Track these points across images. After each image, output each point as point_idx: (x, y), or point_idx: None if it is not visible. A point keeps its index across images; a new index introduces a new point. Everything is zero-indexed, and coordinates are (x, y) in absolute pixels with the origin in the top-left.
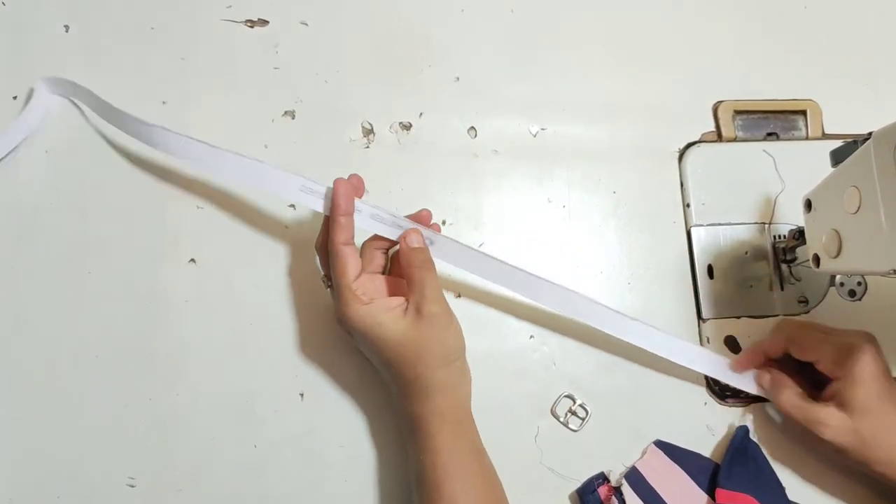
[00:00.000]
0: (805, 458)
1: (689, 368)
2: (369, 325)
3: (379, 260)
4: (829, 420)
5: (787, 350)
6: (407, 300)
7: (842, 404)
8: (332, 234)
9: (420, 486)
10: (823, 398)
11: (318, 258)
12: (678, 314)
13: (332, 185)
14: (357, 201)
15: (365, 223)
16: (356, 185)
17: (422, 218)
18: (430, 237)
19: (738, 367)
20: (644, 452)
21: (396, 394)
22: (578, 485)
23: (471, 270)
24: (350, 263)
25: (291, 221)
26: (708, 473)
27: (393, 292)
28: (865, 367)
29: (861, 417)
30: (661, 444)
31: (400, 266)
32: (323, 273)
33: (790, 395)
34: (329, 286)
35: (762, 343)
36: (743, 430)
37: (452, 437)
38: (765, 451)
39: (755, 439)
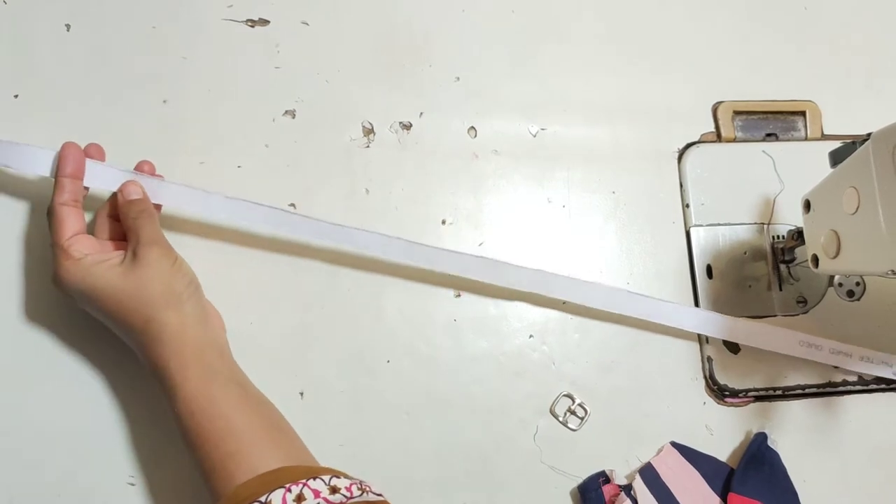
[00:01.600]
0: (813, 458)
1: (688, 367)
2: (79, 279)
3: (111, 226)
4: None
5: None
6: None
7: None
8: (53, 195)
9: (185, 440)
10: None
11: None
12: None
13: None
14: (95, 164)
15: (95, 183)
16: (92, 153)
17: (141, 169)
18: (153, 188)
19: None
20: (660, 451)
21: (136, 349)
22: (578, 482)
23: (206, 212)
24: (66, 223)
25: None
26: (722, 477)
27: (118, 250)
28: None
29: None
30: (676, 445)
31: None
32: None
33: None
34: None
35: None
36: (761, 437)
37: (202, 382)
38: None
39: (774, 446)
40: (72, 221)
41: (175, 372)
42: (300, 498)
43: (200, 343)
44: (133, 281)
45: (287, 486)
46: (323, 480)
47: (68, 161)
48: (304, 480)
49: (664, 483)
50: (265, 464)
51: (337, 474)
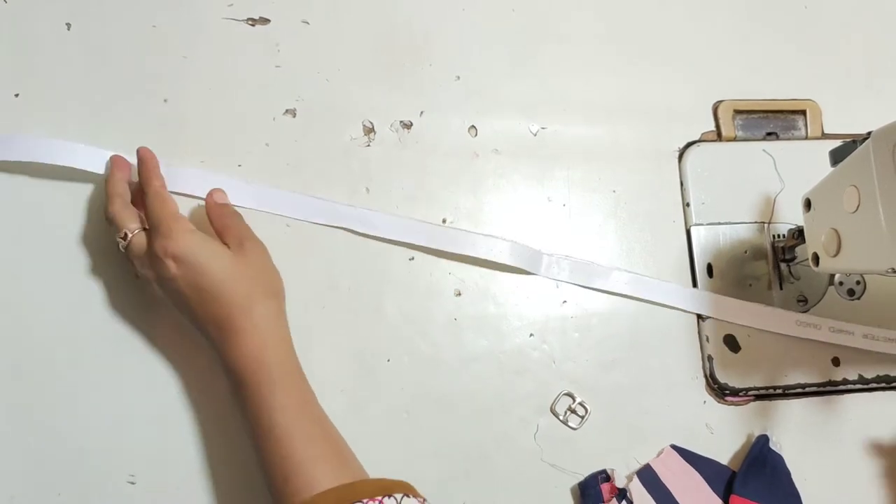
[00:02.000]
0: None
1: (688, 365)
2: (196, 249)
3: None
4: None
5: None
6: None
7: None
8: (149, 181)
9: (258, 444)
10: None
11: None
12: (677, 312)
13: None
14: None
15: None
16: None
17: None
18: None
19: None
20: (660, 453)
21: (216, 343)
22: (579, 479)
23: (271, 209)
24: (170, 201)
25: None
26: (724, 480)
27: None
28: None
29: None
30: (677, 448)
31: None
32: (120, 233)
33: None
34: (125, 244)
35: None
36: (763, 439)
37: (283, 393)
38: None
39: (777, 449)
40: (174, 201)
41: (260, 379)
42: None
43: (285, 344)
44: (242, 268)
45: (364, 501)
46: (395, 499)
47: (149, 156)
48: (379, 497)
49: (664, 484)
50: (338, 477)
51: (407, 492)
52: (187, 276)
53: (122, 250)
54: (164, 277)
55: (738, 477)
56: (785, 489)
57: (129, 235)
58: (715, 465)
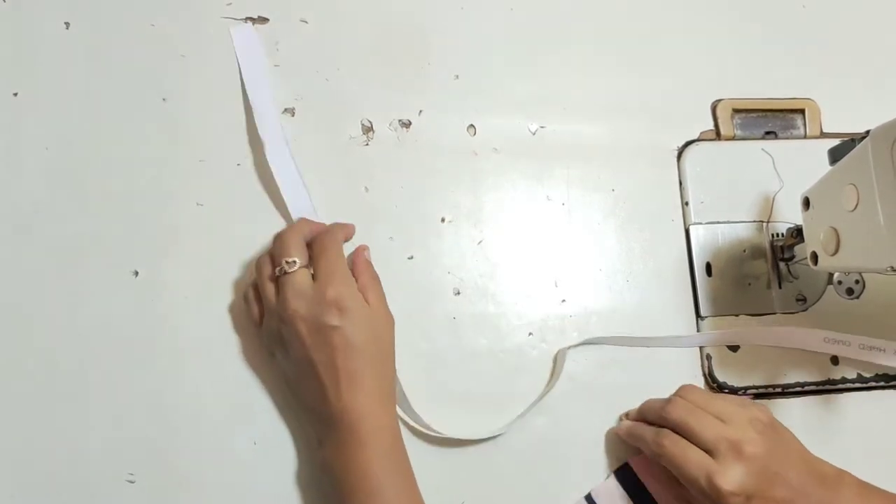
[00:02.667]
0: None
1: (687, 364)
2: (366, 312)
3: None
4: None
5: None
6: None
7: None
8: (337, 234)
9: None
10: None
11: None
12: (676, 312)
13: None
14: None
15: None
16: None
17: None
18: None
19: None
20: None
21: (324, 416)
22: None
23: None
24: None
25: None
26: None
27: None
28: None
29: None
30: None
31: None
32: (289, 258)
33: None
34: (287, 270)
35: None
36: None
37: (387, 457)
38: None
39: None
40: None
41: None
42: None
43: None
44: (388, 333)
45: None
46: None
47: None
48: None
49: (641, 482)
50: None
51: None
52: (346, 329)
53: (275, 277)
54: (322, 324)
55: None
56: None
57: (298, 264)
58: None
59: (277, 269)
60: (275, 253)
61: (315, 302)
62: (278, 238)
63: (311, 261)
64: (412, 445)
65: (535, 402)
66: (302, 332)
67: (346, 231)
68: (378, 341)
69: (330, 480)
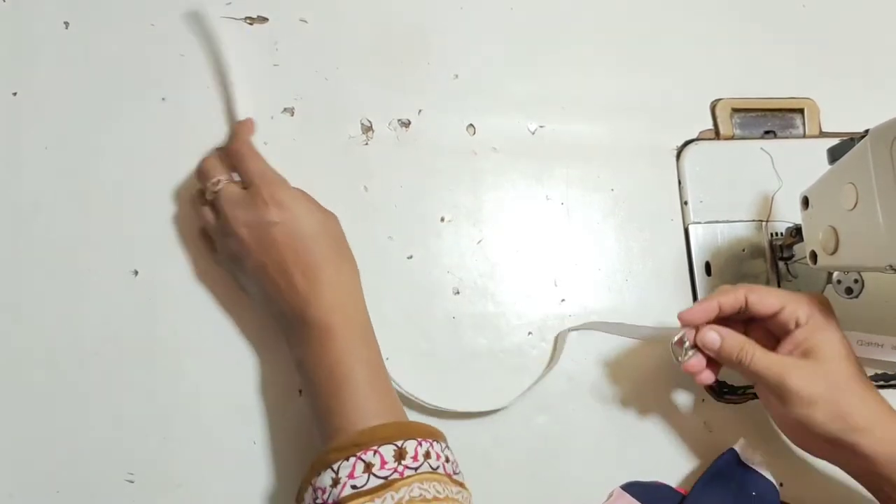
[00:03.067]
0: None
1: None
2: (301, 203)
3: None
4: (800, 367)
5: (744, 302)
6: None
7: (809, 351)
8: (243, 135)
9: (331, 395)
10: (782, 352)
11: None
12: (676, 311)
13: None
14: None
15: None
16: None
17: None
18: None
19: (689, 320)
20: (610, 495)
21: (301, 292)
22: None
23: None
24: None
25: None
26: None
27: None
28: (831, 314)
29: (833, 362)
30: (626, 487)
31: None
32: (213, 180)
33: (754, 349)
34: (217, 189)
35: (716, 296)
36: (730, 454)
37: (364, 346)
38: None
39: (751, 463)
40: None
41: (344, 321)
42: (427, 454)
43: (363, 302)
44: (332, 228)
45: (419, 439)
46: (441, 445)
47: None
48: (430, 440)
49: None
50: (394, 416)
51: (444, 443)
52: (288, 222)
53: (208, 198)
54: (262, 223)
55: (691, 493)
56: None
57: (222, 181)
58: (665, 490)
59: (207, 194)
60: (201, 184)
61: (251, 205)
62: (197, 171)
63: (236, 174)
64: None
65: (538, 380)
66: (246, 238)
67: (248, 127)
68: (326, 232)
69: (304, 380)
